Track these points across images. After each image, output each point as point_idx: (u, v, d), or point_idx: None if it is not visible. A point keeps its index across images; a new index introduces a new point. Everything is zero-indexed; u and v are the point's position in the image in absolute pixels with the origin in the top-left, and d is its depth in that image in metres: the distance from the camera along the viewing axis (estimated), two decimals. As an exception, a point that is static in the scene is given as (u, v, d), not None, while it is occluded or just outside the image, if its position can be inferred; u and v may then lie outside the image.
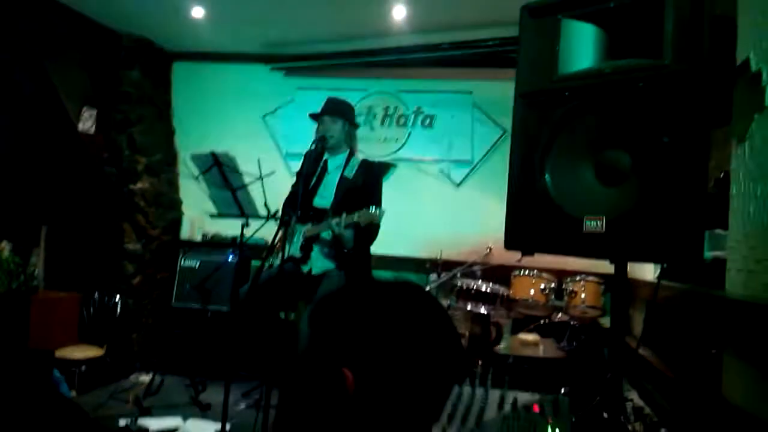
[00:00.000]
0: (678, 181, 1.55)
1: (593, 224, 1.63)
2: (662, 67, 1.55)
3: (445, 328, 0.84)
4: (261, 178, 3.16)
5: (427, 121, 4.99)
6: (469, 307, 3.61)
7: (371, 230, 2.91)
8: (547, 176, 1.73)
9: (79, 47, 4.68)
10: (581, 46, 1.75)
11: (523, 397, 1.49)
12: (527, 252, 1.86)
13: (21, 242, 4.30)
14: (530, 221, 1.79)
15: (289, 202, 3.32)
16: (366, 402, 0.79)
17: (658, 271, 3.07)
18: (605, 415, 2.07)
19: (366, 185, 3.06)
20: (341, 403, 0.79)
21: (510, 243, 1.85)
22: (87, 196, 4.87)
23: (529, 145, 1.81)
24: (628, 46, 1.67)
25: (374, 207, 2.75)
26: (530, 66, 1.85)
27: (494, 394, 1.51)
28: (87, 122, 4.77)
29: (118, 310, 4.64)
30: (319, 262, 3.11)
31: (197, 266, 4.72)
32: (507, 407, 1.43)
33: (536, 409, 1.42)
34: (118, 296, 4.66)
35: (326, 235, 3.03)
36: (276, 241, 3.14)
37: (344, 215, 2.81)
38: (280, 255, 3.05)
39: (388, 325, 0.81)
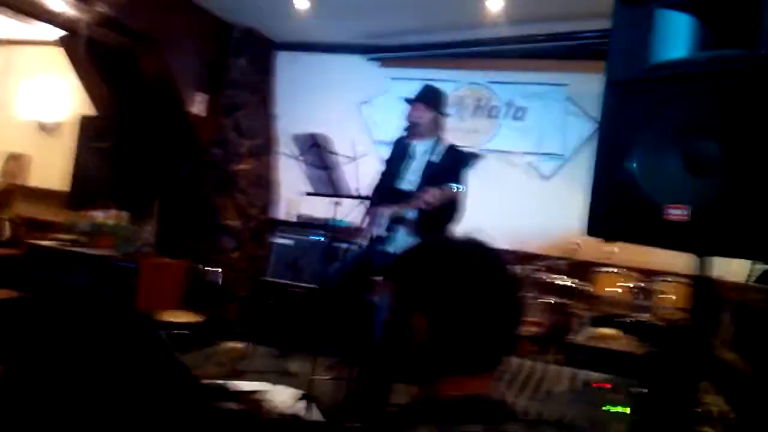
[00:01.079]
0: (766, 175, 1.52)
1: (677, 213, 1.63)
2: (758, 57, 1.53)
3: (503, 281, 0.93)
4: (354, 159, 3.32)
5: (519, 113, 4.98)
6: (548, 300, 3.61)
7: (453, 208, 2.96)
8: (633, 163, 1.74)
9: (194, 36, 5.06)
10: (674, 36, 1.74)
11: (594, 376, 1.54)
12: (609, 239, 1.88)
13: (137, 213, 4.73)
14: (614, 208, 1.81)
15: (378, 187, 3.46)
16: (435, 343, 0.90)
17: (753, 273, 2.95)
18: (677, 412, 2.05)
19: (450, 168, 3.11)
20: (415, 344, 0.91)
21: (592, 229, 1.87)
22: (195, 174, 5.26)
23: (616, 132, 1.83)
24: (723, 36, 1.65)
25: (455, 185, 2.82)
26: (621, 55, 1.86)
27: (565, 371, 1.56)
28: (198, 106, 5.15)
29: (218, 281, 4.98)
30: (402, 243, 3.23)
31: (290, 244, 4.99)
32: (578, 384, 1.48)
33: (606, 386, 1.46)
34: (218, 268, 5.01)
35: (410, 215, 3.13)
36: (364, 223, 3.29)
37: (434, 188, 2.89)
38: (368, 237, 3.19)
39: (453, 277, 0.92)
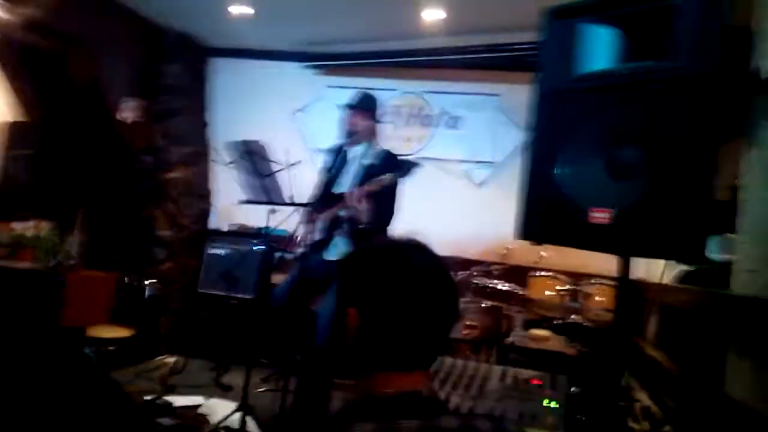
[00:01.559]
0: (685, 179, 1.61)
1: (600, 215, 1.71)
2: (674, 68, 1.63)
3: (435, 280, 0.95)
4: (288, 166, 3.30)
5: (452, 122, 5.09)
6: (483, 304, 3.70)
7: (387, 200, 2.98)
8: (559, 169, 1.82)
9: (125, 41, 4.91)
10: (598, 49, 1.84)
11: (524, 372, 1.59)
12: (538, 242, 1.95)
13: (60, 223, 4.51)
14: (542, 213, 1.88)
15: (315, 194, 3.45)
16: (363, 338, 0.94)
17: (672, 273, 3.12)
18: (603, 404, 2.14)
19: (384, 166, 3.12)
20: (348, 339, 0.93)
21: (522, 233, 1.94)
22: (123, 182, 5.08)
23: (545, 140, 1.91)
24: (643, 49, 1.75)
25: (388, 174, 2.84)
26: (550, 66, 1.94)
27: (497, 369, 1.60)
28: (129, 112, 4.98)
29: (147, 294, 4.82)
30: (335, 248, 3.22)
31: (224, 254, 4.89)
32: (508, 380, 1.52)
33: (535, 382, 1.51)
34: (147, 281, 4.84)
35: (343, 213, 3.13)
36: (299, 232, 3.27)
37: (356, 188, 2.90)
38: (305, 244, 3.17)
39: (382, 274, 0.96)
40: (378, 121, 3.38)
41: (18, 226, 4.17)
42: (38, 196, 4.90)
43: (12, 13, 4.07)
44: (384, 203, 2.99)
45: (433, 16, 4.31)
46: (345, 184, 3.24)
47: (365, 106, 3.30)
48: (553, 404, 1.42)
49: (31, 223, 4.21)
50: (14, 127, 5.31)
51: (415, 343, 0.93)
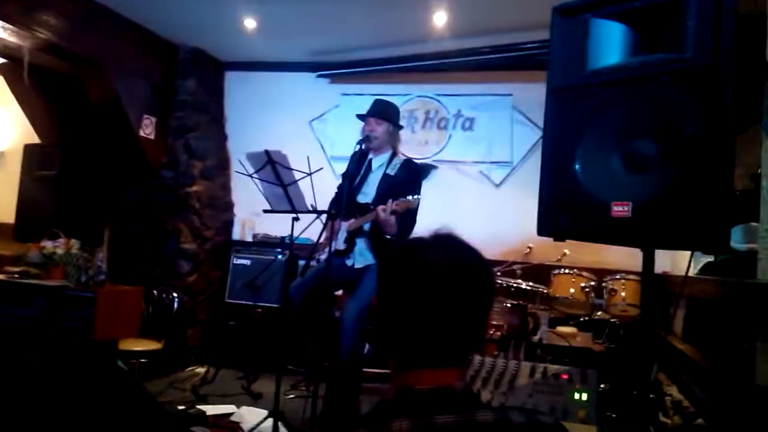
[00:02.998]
0: (703, 169, 1.62)
1: (620, 209, 1.72)
2: (684, 61, 1.64)
3: (449, 275, 0.95)
4: (310, 174, 3.35)
5: (467, 123, 5.11)
6: (508, 303, 3.70)
7: (410, 218, 3.03)
8: (577, 165, 1.83)
9: (140, 58, 5.01)
10: (609, 44, 1.85)
11: (553, 368, 1.61)
12: (560, 239, 1.96)
13: (88, 240, 4.62)
14: (561, 209, 1.89)
15: (335, 201, 3.50)
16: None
17: (696, 265, 3.11)
18: (635, 395, 2.14)
19: (407, 181, 3.19)
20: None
21: (542, 230, 1.96)
22: (147, 198, 5.18)
23: (560, 136, 1.92)
24: (655, 42, 1.77)
25: (411, 195, 2.88)
26: (561, 63, 1.96)
27: (526, 366, 1.62)
28: (147, 129, 5.08)
29: (175, 306, 4.90)
30: (361, 256, 3.27)
31: (249, 264, 4.96)
32: (538, 376, 1.54)
33: (564, 377, 1.53)
34: (174, 293, 4.93)
35: (367, 227, 3.18)
36: (322, 237, 3.31)
37: (390, 201, 2.94)
38: (326, 251, 3.22)
39: (394, 272, 0.99)
40: (397, 126, 3.41)
41: (49, 245, 4.26)
42: (64, 215, 5.03)
43: (23, 38, 4.18)
44: (407, 220, 3.04)
45: (442, 19, 4.34)
46: (369, 193, 3.28)
47: (381, 113, 3.34)
48: (584, 397, 1.43)
49: (61, 241, 4.30)
50: (32, 150, 5.46)
51: (432, 339, 0.94)
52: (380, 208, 2.98)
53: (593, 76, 1.86)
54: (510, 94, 4.97)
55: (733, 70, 1.61)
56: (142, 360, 4.13)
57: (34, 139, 5.55)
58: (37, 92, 5.21)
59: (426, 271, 0.95)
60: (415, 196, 2.89)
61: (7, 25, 3.94)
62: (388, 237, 3.02)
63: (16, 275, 4.21)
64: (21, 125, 5.81)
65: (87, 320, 3.93)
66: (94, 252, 4.54)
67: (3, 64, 5.14)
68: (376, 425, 0.87)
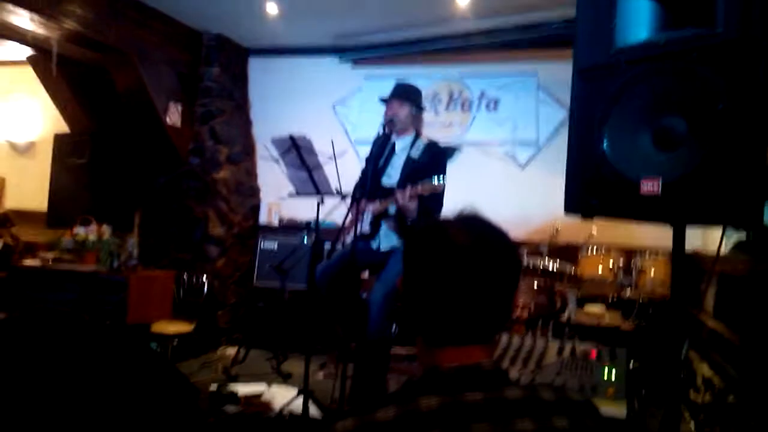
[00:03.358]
0: (735, 145, 1.59)
1: (650, 186, 1.71)
2: (714, 35, 1.61)
3: (473, 254, 0.96)
4: (334, 157, 3.37)
5: (492, 104, 5.07)
6: (535, 284, 3.70)
7: (435, 201, 3.03)
8: (605, 143, 1.82)
9: (165, 46, 5.06)
10: (636, 20, 1.82)
11: (581, 345, 1.61)
12: (586, 216, 1.95)
13: (118, 226, 4.73)
14: (589, 186, 1.88)
15: (359, 184, 3.52)
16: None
17: (728, 243, 3.06)
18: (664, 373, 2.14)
19: (431, 163, 3.19)
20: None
21: (570, 207, 1.95)
22: (175, 184, 5.26)
23: (587, 115, 1.90)
24: (682, 17, 1.73)
25: (436, 177, 2.88)
26: (587, 41, 1.94)
27: (554, 344, 1.63)
28: (173, 116, 5.15)
29: (205, 290, 5.00)
30: (386, 239, 3.29)
31: (275, 248, 5.03)
32: (566, 354, 1.55)
33: (593, 355, 1.53)
34: (204, 277, 5.02)
35: (392, 210, 3.20)
36: (347, 221, 3.34)
37: (408, 186, 2.96)
38: (351, 233, 3.24)
39: (418, 252, 1.00)
40: (420, 108, 3.40)
41: (81, 231, 4.37)
42: (95, 202, 5.15)
43: (50, 29, 4.25)
44: (433, 204, 3.03)
45: (463, -1, 4.28)
46: (394, 176, 3.29)
47: (403, 95, 3.34)
48: (613, 375, 1.44)
49: (93, 227, 4.41)
50: (63, 139, 5.58)
51: (459, 317, 0.95)
52: (398, 193, 2.99)
53: (621, 53, 1.84)
54: (535, 74, 4.91)
55: (765, 44, 1.57)
56: (175, 342, 4.24)
57: (64, 128, 5.68)
58: (65, 82, 5.31)
59: (451, 250, 0.95)
60: (440, 180, 2.88)
61: (35, 16, 4.01)
62: (409, 222, 3.03)
63: (50, 261, 4.34)
64: (51, 115, 5.94)
65: (120, 304, 4.04)
66: (125, 238, 4.65)
67: (32, 55, 5.24)
68: (406, 403, 0.88)
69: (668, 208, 1.72)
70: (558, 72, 4.59)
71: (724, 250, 3.10)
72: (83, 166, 5.40)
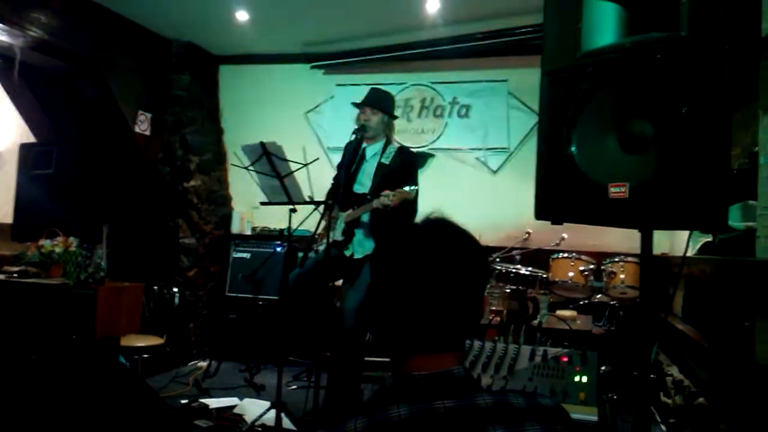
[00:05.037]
0: (700, 148, 1.61)
1: (617, 190, 1.72)
2: (678, 39, 1.63)
3: (434, 260, 0.94)
4: (306, 165, 3.34)
5: (463, 110, 5.10)
6: (507, 289, 3.71)
7: (408, 209, 3.02)
8: (573, 147, 1.82)
9: (133, 54, 4.98)
10: (603, 24, 1.84)
11: (553, 351, 1.61)
12: (558, 222, 1.95)
13: (86, 238, 4.61)
14: (559, 192, 1.88)
15: (332, 192, 3.50)
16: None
17: (695, 246, 3.11)
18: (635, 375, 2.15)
19: (402, 170, 3.19)
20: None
21: (540, 214, 1.95)
22: (144, 194, 5.17)
23: (555, 119, 1.91)
24: (649, 21, 1.75)
25: (408, 186, 2.88)
26: (555, 45, 1.95)
27: (526, 349, 1.63)
28: (143, 125, 5.07)
29: (176, 301, 4.90)
30: (360, 247, 3.27)
31: (248, 258, 4.97)
32: (538, 359, 1.54)
33: (564, 359, 1.53)
34: (175, 288, 4.93)
35: (365, 217, 3.18)
36: (320, 228, 3.31)
37: (381, 195, 2.95)
38: (324, 241, 3.22)
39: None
40: (392, 116, 3.40)
41: (47, 244, 4.25)
42: (62, 213, 5.01)
43: (15, 36, 4.15)
44: (407, 211, 3.02)
45: (434, 6, 4.31)
46: (366, 183, 3.28)
47: (375, 102, 3.33)
48: (584, 379, 1.44)
49: (59, 240, 4.29)
50: (28, 149, 5.44)
51: (427, 324, 0.92)
52: (374, 201, 2.98)
53: (587, 57, 1.85)
54: (505, 80, 4.96)
55: (729, 48, 1.59)
56: (145, 355, 4.14)
57: (30, 138, 5.53)
58: (30, 91, 5.18)
59: (415, 255, 0.93)
60: (412, 187, 2.88)
61: (-1, 24, 3.92)
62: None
63: (15, 275, 4.20)
64: (16, 124, 5.79)
65: (87, 318, 3.92)
66: (93, 249, 4.53)
67: (-6, 63, 5.11)
68: (375, 412, 0.86)
69: (635, 213, 1.73)
70: (528, 78, 4.63)
71: (691, 252, 3.16)
72: (49, 176, 5.27)
